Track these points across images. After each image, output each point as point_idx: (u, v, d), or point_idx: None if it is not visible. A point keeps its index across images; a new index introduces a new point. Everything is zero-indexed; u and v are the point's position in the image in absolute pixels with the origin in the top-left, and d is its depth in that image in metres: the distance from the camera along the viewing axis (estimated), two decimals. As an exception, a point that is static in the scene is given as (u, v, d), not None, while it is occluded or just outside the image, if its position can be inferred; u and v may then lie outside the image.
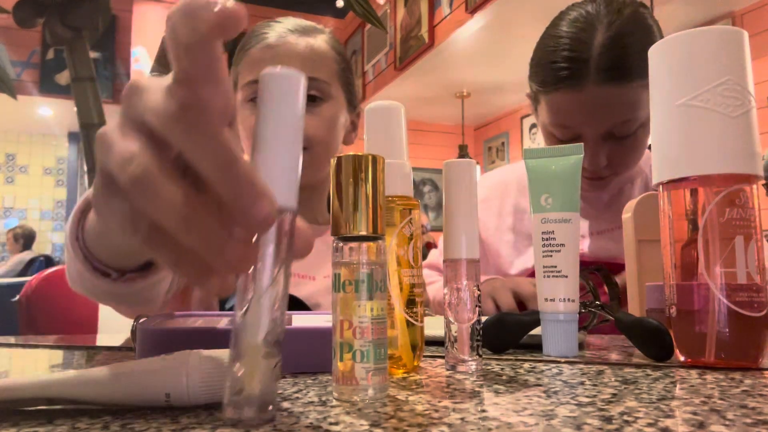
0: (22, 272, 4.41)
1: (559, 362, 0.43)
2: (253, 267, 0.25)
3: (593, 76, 0.78)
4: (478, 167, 0.41)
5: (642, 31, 0.80)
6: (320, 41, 0.84)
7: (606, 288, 0.63)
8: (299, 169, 0.26)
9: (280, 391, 0.33)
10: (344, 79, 0.87)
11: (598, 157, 0.82)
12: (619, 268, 0.79)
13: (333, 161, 0.32)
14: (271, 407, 0.25)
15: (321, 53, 0.83)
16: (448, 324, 0.40)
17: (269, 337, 0.25)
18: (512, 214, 0.99)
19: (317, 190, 0.90)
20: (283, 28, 0.84)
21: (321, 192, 0.91)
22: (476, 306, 0.40)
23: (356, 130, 0.91)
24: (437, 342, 0.53)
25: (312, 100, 0.81)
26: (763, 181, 0.42)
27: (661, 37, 0.83)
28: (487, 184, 1.04)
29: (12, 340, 0.64)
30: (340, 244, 0.31)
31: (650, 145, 0.99)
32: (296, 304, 0.74)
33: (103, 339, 0.66)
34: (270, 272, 0.25)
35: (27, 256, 4.77)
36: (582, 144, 0.49)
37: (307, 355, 0.39)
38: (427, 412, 0.28)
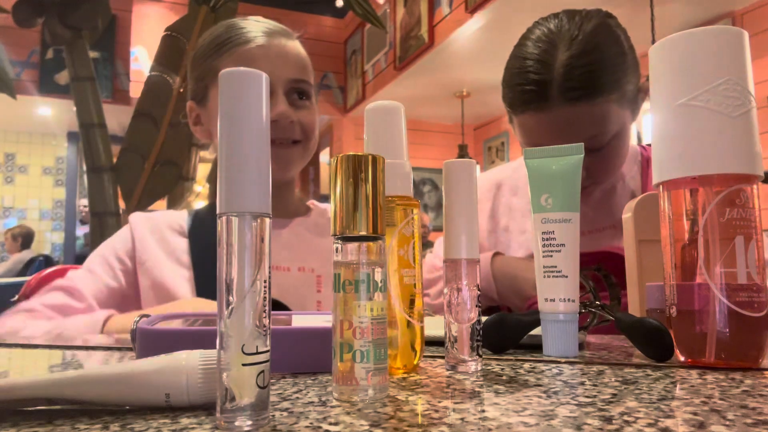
0: (22, 272, 4.41)
1: (559, 362, 0.43)
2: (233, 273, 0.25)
3: (557, 98, 0.78)
4: (477, 167, 0.41)
5: (607, 44, 0.79)
6: (299, 45, 0.89)
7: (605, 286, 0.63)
8: (270, 171, 0.26)
9: (279, 391, 0.33)
10: (314, 82, 0.92)
11: None
12: (614, 256, 0.79)
13: (333, 161, 0.32)
14: (263, 413, 0.25)
15: (305, 56, 0.89)
16: (448, 324, 0.40)
17: (253, 343, 0.25)
18: (506, 214, 0.99)
19: (289, 183, 0.93)
20: (266, 28, 0.87)
21: (292, 185, 0.94)
22: (476, 306, 0.39)
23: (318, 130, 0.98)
24: (437, 342, 0.53)
25: (302, 98, 0.86)
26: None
27: (630, 45, 0.83)
28: (478, 185, 1.05)
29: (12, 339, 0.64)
30: (340, 244, 0.31)
31: (646, 144, 0.99)
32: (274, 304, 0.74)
33: (102, 339, 0.66)
34: (249, 278, 0.25)
35: (26, 255, 4.77)
36: (582, 144, 0.49)
37: (307, 355, 0.39)
38: (427, 412, 0.28)
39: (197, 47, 0.91)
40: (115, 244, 0.88)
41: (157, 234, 0.87)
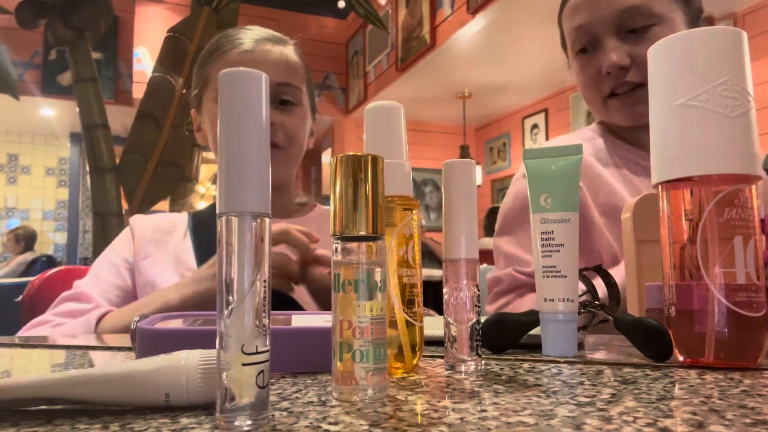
0: (24, 273, 4.42)
1: (558, 362, 0.43)
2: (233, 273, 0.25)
3: None
4: (478, 167, 0.41)
5: None
6: (290, 50, 0.90)
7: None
8: (269, 172, 0.26)
9: (279, 391, 0.33)
10: (309, 87, 0.93)
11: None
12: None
13: (333, 161, 0.32)
14: (262, 413, 0.25)
15: (293, 61, 0.89)
16: (447, 324, 0.40)
17: (253, 342, 0.25)
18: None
19: (286, 186, 0.94)
20: (256, 36, 0.89)
21: (289, 187, 0.96)
22: (475, 306, 0.40)
23: (313, 136, 0.98)
24: (437, 342, 0.53)
25: (286, 104, 0.87)
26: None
27: None
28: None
29: (15, 340, 0.64)
30: (340, 244, 0.31)
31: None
32: (288, 302, 0.74)
33: (102, 339, 0.66)
34: (249, 278, 0.25)
35: (29, 257, 4.79)
36: (581, 144, 0.49)
37: (306, 355, 0.39)
38: (426, 412, 0.28)
39: (199, 57, 0.93)
40: (117, 246, 0.90)
41: (157, 234, 0.89)
